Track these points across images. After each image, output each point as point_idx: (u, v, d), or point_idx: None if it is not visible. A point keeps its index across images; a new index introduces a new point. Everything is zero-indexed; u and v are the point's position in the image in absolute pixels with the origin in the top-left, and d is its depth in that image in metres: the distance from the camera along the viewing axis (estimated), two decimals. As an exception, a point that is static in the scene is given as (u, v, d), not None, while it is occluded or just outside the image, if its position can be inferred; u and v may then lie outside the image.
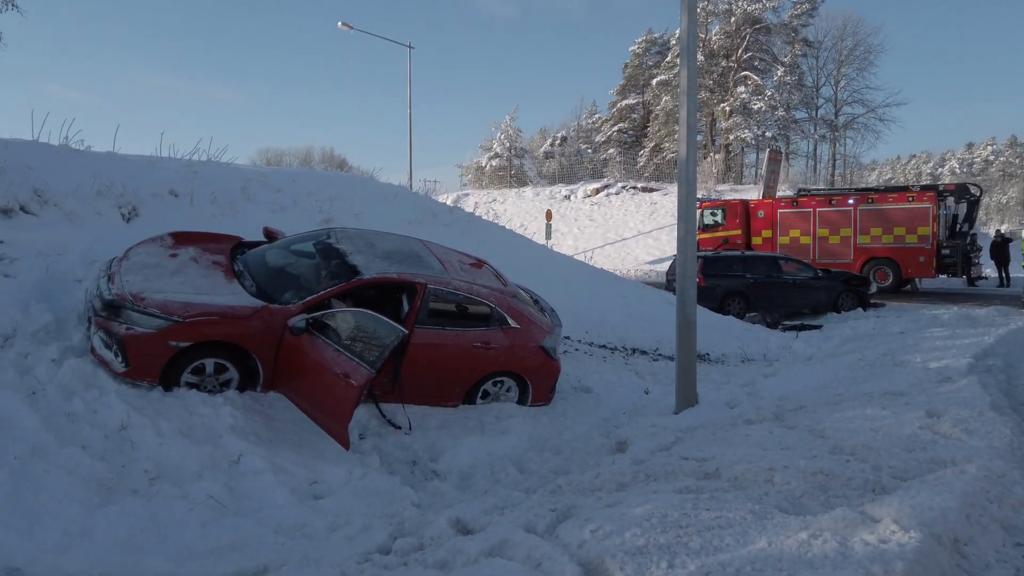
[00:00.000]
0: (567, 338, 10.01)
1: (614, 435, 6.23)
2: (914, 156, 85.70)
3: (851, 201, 21.99)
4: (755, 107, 43.59)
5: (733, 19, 44.95)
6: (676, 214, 7.82)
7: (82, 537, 4.02)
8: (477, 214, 18.22)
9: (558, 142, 57.66)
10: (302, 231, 7.99)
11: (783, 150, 42.99)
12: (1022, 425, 5.33)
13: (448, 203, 23.51)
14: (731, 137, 45.19)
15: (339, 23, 28.50)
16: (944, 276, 21.46)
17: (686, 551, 2.99)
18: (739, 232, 24.07)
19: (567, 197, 43.22)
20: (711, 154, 44.99)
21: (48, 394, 5.13)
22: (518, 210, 42.06)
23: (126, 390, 5.45)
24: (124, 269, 6.15)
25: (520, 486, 5.10)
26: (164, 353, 5.55)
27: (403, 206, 14.01)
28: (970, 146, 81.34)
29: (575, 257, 20.44)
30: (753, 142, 45.32)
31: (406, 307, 6.67)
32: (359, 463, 5.60)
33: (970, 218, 21.55)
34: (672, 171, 45.85)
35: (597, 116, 59.27)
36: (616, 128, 54.63)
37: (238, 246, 7.44)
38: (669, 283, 18.21)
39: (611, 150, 54.15)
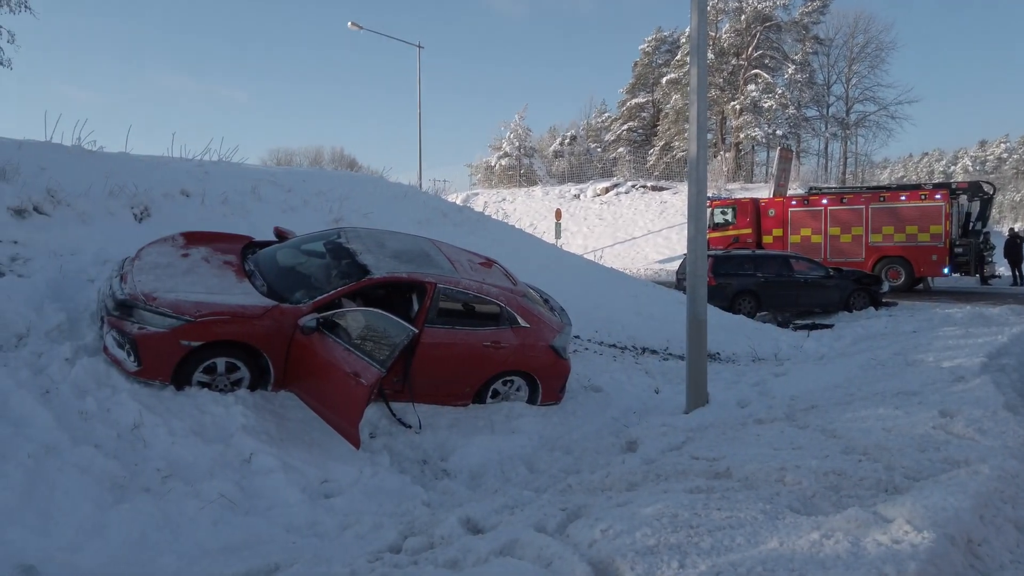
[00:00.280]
0: (577, 337, 10.00)
1: (624, 434, 6.22)
2: (926, 154, 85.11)
3: (863, 199, 21.87)
4: (766, 105, 43.45)
5: (743, 17, 44.82)
6: (686, 213, 7.79)
7: (95, 535, 4.05)
8: (487, 213, 18.24)
9: (567, 141, 57.63)
10: (312, 231, 8.01)
11: (794, 148, 42.81)
12: (1037, 425, 5.27)
13: (458, 203, 23.52)
14: (741, 135, 45.05)
15: (349, 23, 28.62)
16: (957, 275, 21.30)
17: (697, 551, 2.98)
18: (750, 231, 23.96)
19: (577, 196, 43.15)
20: (721, 152, 44.86)
21: (61, 393, 5.17)
22: (528, 209, 42.04)
23: (138, 389, 5.49)
24: (136, 269, 6.19)
25: (530, 485, 5.11)
26: (176, 352, 5.58)
27: (413, 206, 14.03)
28: (983, 143, 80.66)
29: (585, 256, 20.41)
30: (764, 140, 45.19)
31: (416, 306, 6.67)
32: (369, 462, 5.62)
33: (983, 216, 21.37)
34: (682, 170, 45.75)
35: (607, 115, 59.24)
36: (626, 127, 54.57)
37: (249, 246, 7.47)
38: (679, 282, 18.16)
39: (621, 149, 54.09)
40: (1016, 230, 24.34)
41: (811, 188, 26.12)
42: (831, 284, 16.64)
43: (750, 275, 16.52)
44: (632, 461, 5.00)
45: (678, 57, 48.12)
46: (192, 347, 5.62)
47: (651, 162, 50.48)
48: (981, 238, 21.05)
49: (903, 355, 9.19)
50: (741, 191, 36.91)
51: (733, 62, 45.94)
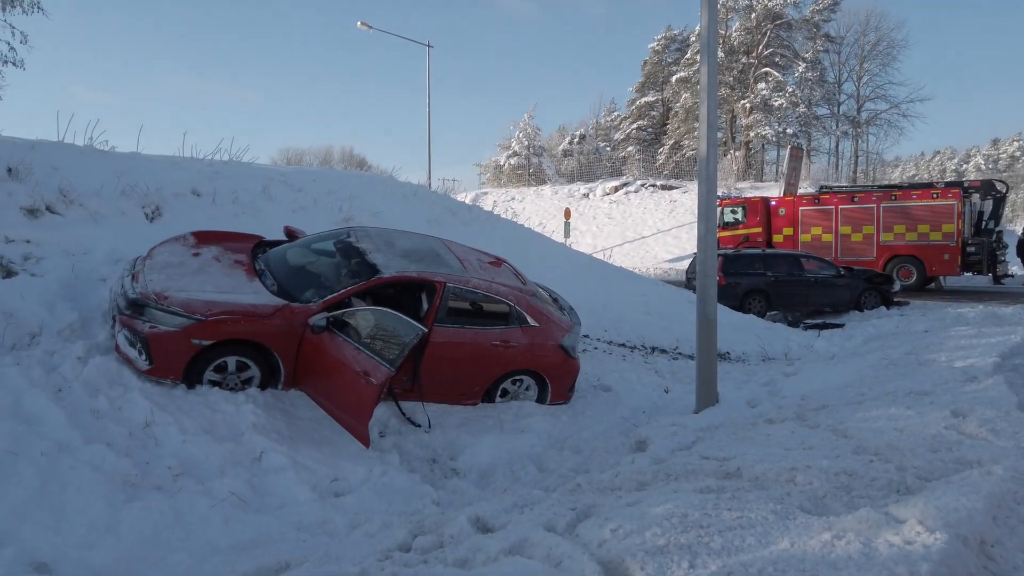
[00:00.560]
0: (586, 336, 9.99)
1: (634, 434, 6.21)
2: (938, 152, 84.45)
3: (874, 198, 21.73)
4: (776, 104, 43.25)
5: (753, 15, 44.63)
6: (696, 212, 7.77)
7: (107, 532, 4.07)
8: (496, 213, 18.24)
9: (577, 140, 57.57)
10: (322, 230, 8.04)
11: (804, 147, 42.60)
12: (1051, 425, 5.22)
13: (467, 202, 23.55)
14: (751, 134, 44.87)
15: (358, 23, 28.70)
16: (969, 274, 21.14)
17: (707, 551, 2.97)
18: (760, 230, 23.85)
19: (586, 195, 43.07)
20: (731, 151, 44.69)
21: (74, 391, 5.20)
22: (537, 208, 41.99)
23: (150, 388, 5.53)
24: (148, 268, 6.24)
25: (540, 485, 5.11)
26: (187, 351, 5.61)
27: (422, 205, 14.06)
28: (996, 142, 79.93)
29: (594, 255, 20.39)
30: (774, 139, 45.01)
31: (425, 305, 6.69)
32: (379, 461, 5.63)
33: (996, 215, 21.19)
34: (692, 168, 45.63)
35: (616, 114, 59.11)
36: (635, 126, 54.44)
37: (259, 245, 7.51)
38: (689, 281, 18.10)
39: (630, 148, 53.98)
40: (1029, 229, 24.14)
41: (822, 187, 25.97)
42: (842, 283, 16.54)
43: (760, 274, 16.45)
44: (642, 461, 4.99)
45: (688, 55, 47.99)
46: (203, 346, 5.65)
47: (661, 161, 50.35)
48: (994, 237, 20.88)
49: (915, 355, 9.13)
50: (751, 190, 36.73)
51: (743, 60, 45.71)
